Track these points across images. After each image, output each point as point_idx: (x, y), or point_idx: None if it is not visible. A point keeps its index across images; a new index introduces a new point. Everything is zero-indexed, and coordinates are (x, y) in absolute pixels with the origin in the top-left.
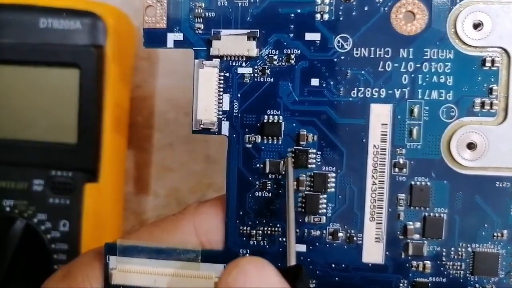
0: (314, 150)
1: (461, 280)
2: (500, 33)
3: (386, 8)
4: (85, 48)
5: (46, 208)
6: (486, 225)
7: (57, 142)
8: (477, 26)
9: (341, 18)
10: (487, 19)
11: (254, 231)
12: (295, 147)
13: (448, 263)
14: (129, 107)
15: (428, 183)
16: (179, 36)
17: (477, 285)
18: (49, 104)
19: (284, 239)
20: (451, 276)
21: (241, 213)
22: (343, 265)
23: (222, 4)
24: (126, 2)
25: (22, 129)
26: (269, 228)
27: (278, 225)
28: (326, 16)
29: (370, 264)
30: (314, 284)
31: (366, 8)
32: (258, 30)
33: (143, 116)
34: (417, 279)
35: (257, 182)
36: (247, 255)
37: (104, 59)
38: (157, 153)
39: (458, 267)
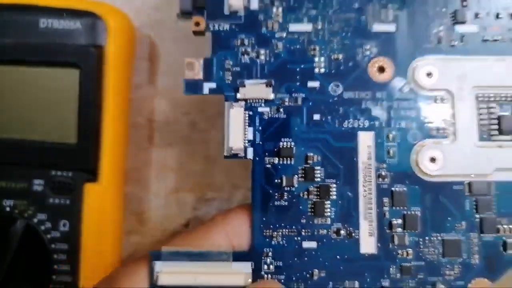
0: (319, 167)
1: (435, 262)
2: (445, 79)
3: (364, 64)
4: (85, 48)
5: (46, 208)
6: (449, 218)
7: (57, 142)
8: (428, 74)
9: (333, 71)
10: (435, 70)
11: (275, 233)
12: (304, 166)
13: (424, 249)
14: (129, 107)
15: (404, 189)
16: (213, 85)
17: (448, 266)
18: (49, 104)
19: (299, 238)
20: (428, 259)
21: (264, 219)
22: (346, 256)
23: (246, 62)
24: (127, 2)
25: (22, 129)
26: (286, 230)
27: (294, 227)
28: (322, 70)
29: (366, 254)
30: (324, 274)
31: (350, 64)
32: (273, 80)
33: (143, 116)
34: (403, 264)
35: (276, 194)
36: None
37: (105, 59)
38: (157, 153)
39: (432, 252)
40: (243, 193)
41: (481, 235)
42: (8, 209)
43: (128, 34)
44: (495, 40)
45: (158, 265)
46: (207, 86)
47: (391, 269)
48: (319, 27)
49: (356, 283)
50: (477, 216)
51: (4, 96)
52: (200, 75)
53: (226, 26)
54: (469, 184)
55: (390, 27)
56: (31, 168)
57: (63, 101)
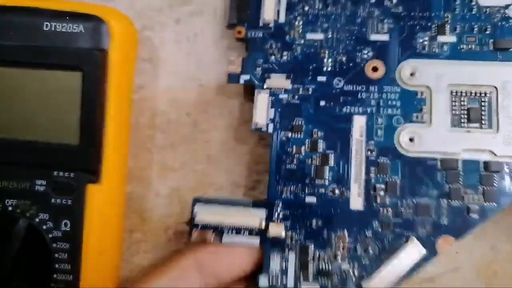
0: (321, 141)
1: (410, 220)
2: (425, 77)
3: (362, 64)
4: (88, 51)
5: (48, 208)
6: (423, 186)
7: (59, 143)
8: (412, 74)
9: (337, 69)
10: (418, 70)
11: (285, 189)
12: (310, 139)
13: (401, 209)
14: (132, 108)
15: (388, 161)
16: (247, 77)
17: (420, 224)
18: (52, 106)
19: (303, 194)
20: (404, 217)
21: (277, 177)
22: (338, 211)
23: (272, 61)
24: (129, 6)
25: (25, 130)
26: (294, 187)
27: (299, 185)
28: (329, 68)
29: (354, 210)
30: (320, 223)
31: (351, 64)
32: (291, 74)
33: (145, 117)
34: (383, 219)
35: (288, 159)
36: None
37: (107, 63)
38: (159, 153)
39: (408, 212)
40: (244, 192)
41: (449, 201)
42: (10, 208)
43: (131, 37)
44: (469, 49)
45: (197, 207)
46: (243, 78)
47: (373, 223)
48: (329, 36)
49: (345, 232)
50: (447, 185)
51: (7, 98)
52: (239, 70)
53: (260, 34)
54: (441, 160)
55: (384, 37)
56: (33, 169)
57: (65, 103)
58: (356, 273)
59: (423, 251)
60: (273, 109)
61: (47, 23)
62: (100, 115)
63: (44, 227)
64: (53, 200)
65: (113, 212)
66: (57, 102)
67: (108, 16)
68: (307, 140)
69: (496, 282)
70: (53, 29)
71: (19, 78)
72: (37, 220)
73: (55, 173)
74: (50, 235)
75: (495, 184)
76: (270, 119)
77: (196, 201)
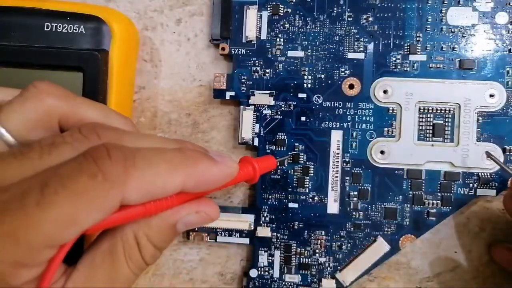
0: (303, 154)
1: (378, 222)
2: (396, 95)
3: (339, 82)
4: (89, 52)
5: None
6: (390, 193)
7: None
8: (385, 92)
9: (317, 86)
10: (390, 88)
11: (270, 196)
12: (293, 152)
13: (371, 213)
14: (133, 108)
15: (361, 171)
16: (232, 93)
17: (386, 225)
18: None
19: (286, 200)
20: (373, 220)
21: (263, 186)
22: (317, 214)
23: (256, 77)
24: (130, 7)
25: None
26: (278, 195)
27: (283, 193)
28: (309, 85)
29: (331, 214)
30: (302, 225)
31: (329, 82)
32: (274, 91)
33: (146, 117)
34: (355, 221)
35: (272, 170)
36: (267, 210)
37: (108, 63)
38: None
39: (377, 215)
40: (243, 192)
41: (412, 206)
42: None
43: (132, 38)
44: (438, 67)
45: None
46: (229, 94)
47: (347, 224)
48: (309, 53)
49: (323, 232)
50: (411, 193)
51: None
52: (224, 86)
53: (243, 51)
54: (407, 170)
55: (360, 55)
56: None
57: None
58: (331, 266)
59: (387, 247)
60: (257, 124)
61: (48, 23)
62: None
63: None
64: None
65: None
66: None
67: (109, 17)
68: (289, 152)
69: (494, 282)
70: (54, 29)
71: (20, 78)
72: None
73: None
74: None
75: (452, 191)
76: (255, 133)
77: None
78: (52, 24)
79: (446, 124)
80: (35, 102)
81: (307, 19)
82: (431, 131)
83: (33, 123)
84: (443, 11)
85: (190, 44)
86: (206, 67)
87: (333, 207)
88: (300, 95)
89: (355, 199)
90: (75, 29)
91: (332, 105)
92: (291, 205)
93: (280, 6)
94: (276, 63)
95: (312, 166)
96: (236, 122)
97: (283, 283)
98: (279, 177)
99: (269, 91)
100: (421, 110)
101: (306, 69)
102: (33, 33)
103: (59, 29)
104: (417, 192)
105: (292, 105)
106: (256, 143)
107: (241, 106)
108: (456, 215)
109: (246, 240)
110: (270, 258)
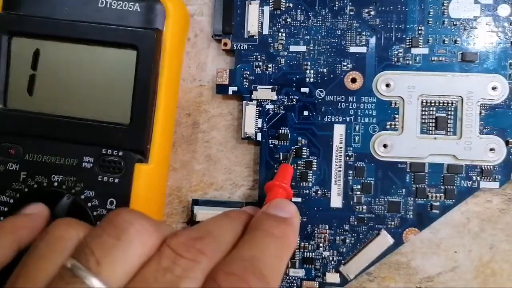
0: (306, 148)
1: (381, 215)
2: (399, 88)
3: (341, 76)
4: (144, 30)
5: (95, 185)
6: (394, 186)
7: (110, 121)
8: (387, 85)
9: (319, 81)
10: (392, 82)
11: None
12: (296, 146)
13: (375, 206)
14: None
15: (364, 165)
16: (235, 88)
17: (390, 218)
18: (104, 84)
19: None
20: (376, 213)
21: (267, 181)
22: (321, 208)
23: (258, 72)
24: None
25: (76, 107)
26: None
27: None
28: (311, 79)
29: (335, 208)
30: (306, 219)
31: (331, 76)
32: (276, 86)
33: None
34: (359, 215)
35: (275, 165)
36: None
37: (162, 43)
38: None
39: (380, 208)
40: (243, 192)
41: (416, 199)
42: (56, 184)
43: (184, 19)
44: (440, 60)
45: (196, 207)
46: (231, 89)
47: (350, 218)
48: (311, 48)
49: (326, 226)
50: (414, 186)
51: (61, 73)
52: (226, 81)
53: (245, 46)
54: (410, 164)
55: (362, 49)
56: (82, 146)
57: (119, 82)
58: (335, 260)
59: (390, 241)
60: (260, 119)
61: None
62: (152, 95)
63: (90, 204)
64: (99, 178)
65: (158, 193)
66: (110, 80)
67: None
68: (292, 147)
69: (495, 281)
70: (108, 6)
71: (73, 53)
72: (82, 197)
73: (104, 151)
74: (95, 213)
75: (455, 184)
76: (258, 128)
77: (195, 202)
78: (107, 0)
79: (449, 117)
80: (139, 247)
81: (309, 13)
82: (433, 124)
83: (135, 270)
84: (445, 4)
85: (190, 44)
86: (206, 67)
87: (336, 201)
88: (303, 89)
89: (358, 192)
90: (130, 7)
91: (335, 99)
92: (294, 199)
93: (282, 0)
94: (278, 57)
95: (315, 160)
96: (237, 122)
97: (287, 277)
98: None
99: (271, 86)
100: (424, 103)
101: (308, 63)
102: (87, 8)
103: (114, 6)
104: (420, 185)
105: (294, 100)
106: (259, 138)
107: (244, 101)
108: (456, 215)
109: None
110: None
